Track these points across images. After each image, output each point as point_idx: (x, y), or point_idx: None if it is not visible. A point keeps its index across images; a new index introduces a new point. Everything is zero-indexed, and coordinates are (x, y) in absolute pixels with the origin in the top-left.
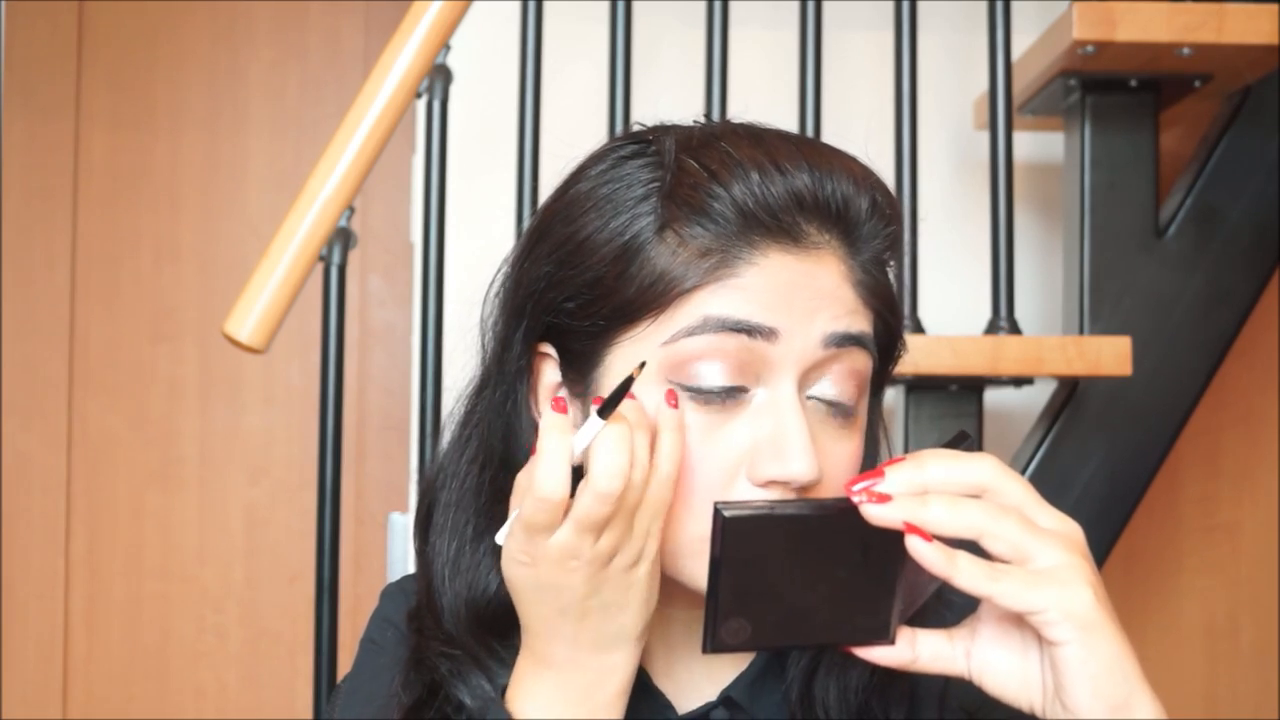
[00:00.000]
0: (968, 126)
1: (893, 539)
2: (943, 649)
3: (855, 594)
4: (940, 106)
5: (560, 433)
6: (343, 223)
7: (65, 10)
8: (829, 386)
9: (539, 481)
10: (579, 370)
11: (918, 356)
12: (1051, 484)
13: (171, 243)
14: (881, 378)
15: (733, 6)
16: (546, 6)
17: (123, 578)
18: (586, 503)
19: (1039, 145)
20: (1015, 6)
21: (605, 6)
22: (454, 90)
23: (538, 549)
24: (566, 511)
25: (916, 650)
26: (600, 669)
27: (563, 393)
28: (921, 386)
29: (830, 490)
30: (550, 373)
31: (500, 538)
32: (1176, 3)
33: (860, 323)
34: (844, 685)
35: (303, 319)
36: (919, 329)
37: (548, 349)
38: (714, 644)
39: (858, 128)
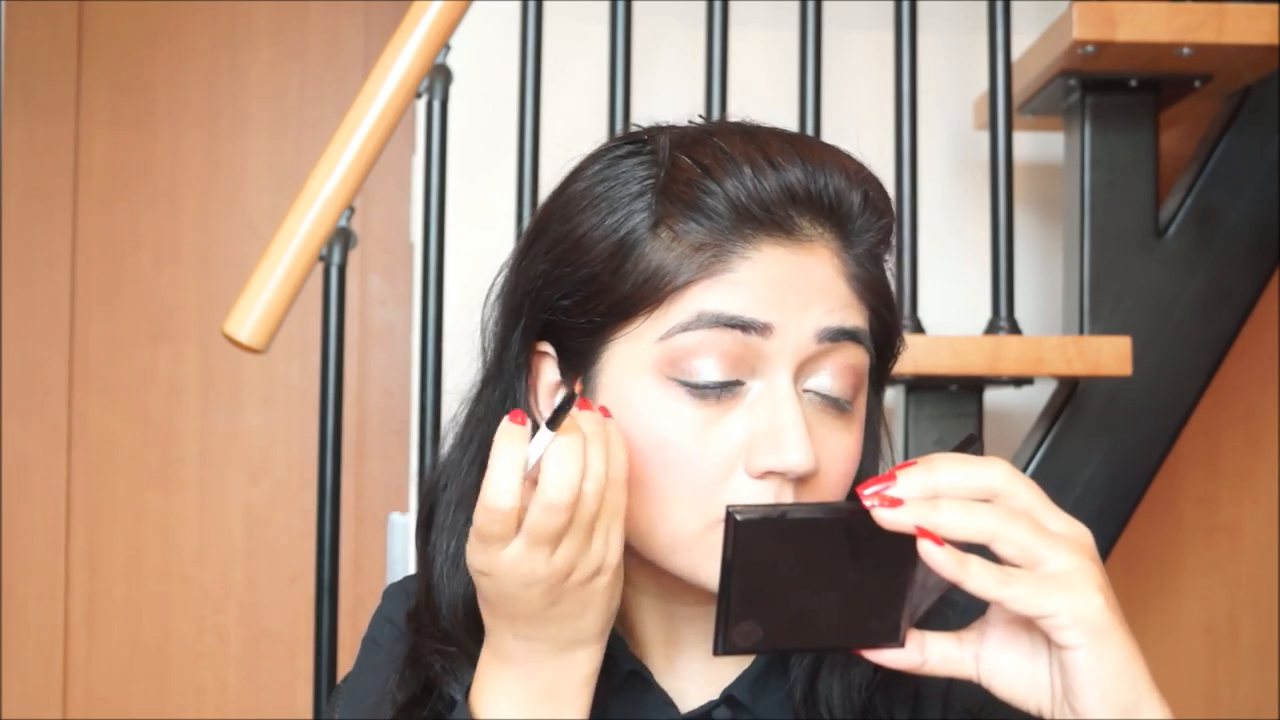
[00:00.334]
0: (968, 126)
1: (903, 543)
2: (952, 652)
3: (865, 597)
4: (940, 106)
5: (511, 441)
6: (343, 223)
7: (65, 10)
8: (824, 380)
9: (487, 490)
10: (577, 368)
11: (918, 356)
12: (1051, 484)
13: (171, 243)
14: (881, 374)
15: (733, 6)
16: (546, 6)
17: (123, 578)
18: (535, 515)
19: (1039, 145)
20: (1015, 6)
21: (605, 6)
22: (454, 90)
23: (493, 560)
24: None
25: (926, 653)
26: (560, 665)
27: (561, 390)
28: (921, 386)
29: (828, 483)
30: (549, 371)
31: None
32: (1176, 3)
33: (854, 318)
34: (848, 684)
35: (303, 319)
36: (919, 329)
37: (546, 347)
38: (725, 646)
39: (858, 128)
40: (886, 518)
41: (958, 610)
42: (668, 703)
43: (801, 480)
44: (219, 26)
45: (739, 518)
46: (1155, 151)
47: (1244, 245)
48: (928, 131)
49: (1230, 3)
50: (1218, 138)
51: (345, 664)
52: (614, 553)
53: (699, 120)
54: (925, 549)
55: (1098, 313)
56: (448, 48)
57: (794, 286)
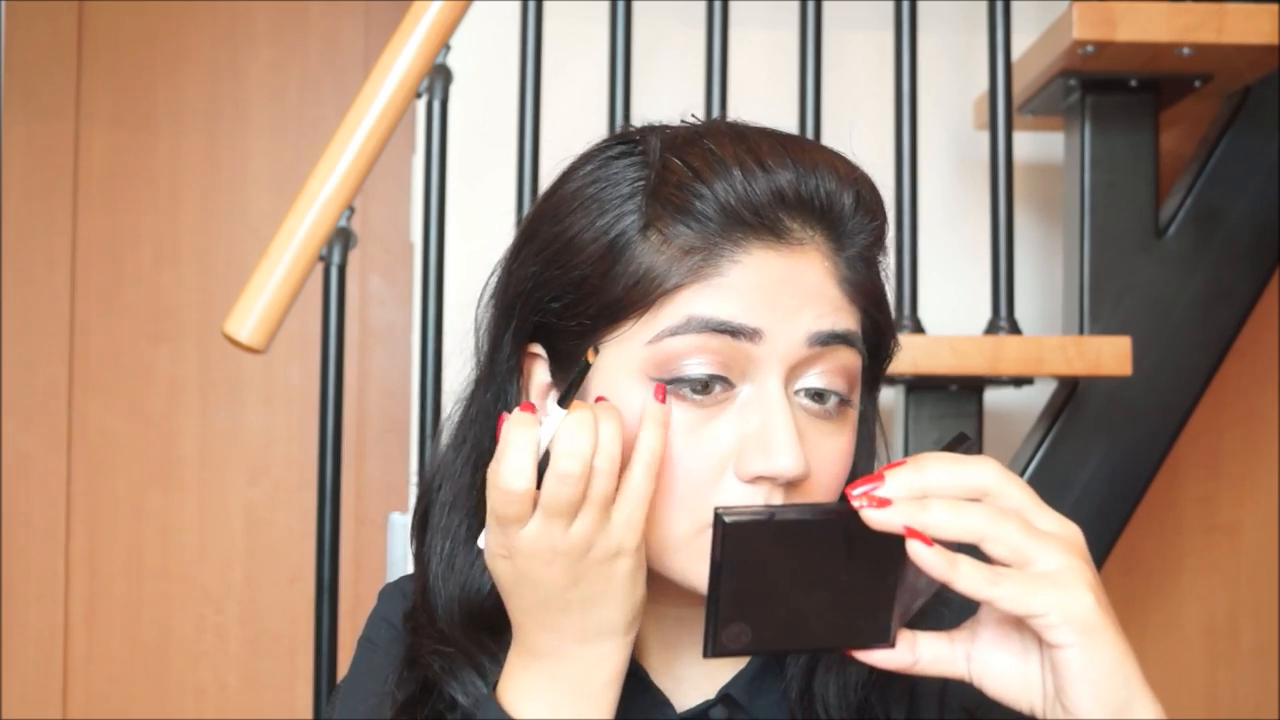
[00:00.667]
0: (968, 126)
1: (893, 543)
2: (943, 651)
3: (855, 598)
4: (940, 106)
5: (523, 426)
6: (343, 223)
7: (65, 10)
8: (816, 384)
9: (500, 473)
10: (567, 370)
11: (917, 356)
12: (1051, 484)
13: (171, 243)
14: (874, 376)
15: (733, 6)
16: (546, 6)
17: (123, 578)
18: (549, 486)
19: (1039, 145)
20: (1015, 6)
21: (605, 6)
22: (454, 90)
23: (512, 541)
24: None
25: (917, 653)
26: (587, 660)
27: (553, 393)
28: (921, 386)
29: (819, 487)
30: (540, 373)
31: (481, 541)
32: (1176, 3)
33: (846, 321)
34: (844, 683)
35: (303, 319)
36: (919, 329)
37: (537, 349)
38: (715, 648)
39: (857, 128)
40: (875, 518)
41: (953, 609)
42: (664, 702)
43: (792, 485)
44: (219, 27)
45: (727, 520)
46: (1155, 151)
47: (1244, 245)
48: (928, 131)
49: (1230, 3)
50: (1218, 138)
51: (345, 664)
52: (633, 535)
53: (693, 119)
54: (914, 549)
55: (1098, 313)
56: (448, 48)
57: (784, 290)
